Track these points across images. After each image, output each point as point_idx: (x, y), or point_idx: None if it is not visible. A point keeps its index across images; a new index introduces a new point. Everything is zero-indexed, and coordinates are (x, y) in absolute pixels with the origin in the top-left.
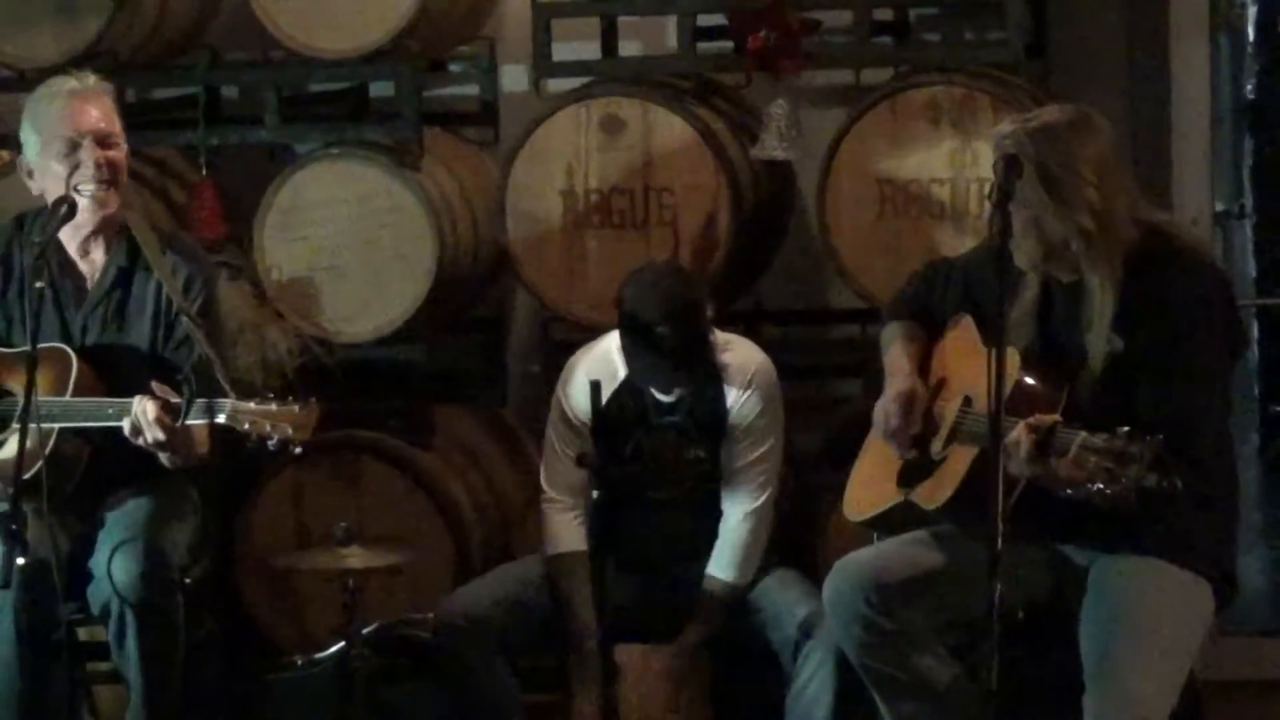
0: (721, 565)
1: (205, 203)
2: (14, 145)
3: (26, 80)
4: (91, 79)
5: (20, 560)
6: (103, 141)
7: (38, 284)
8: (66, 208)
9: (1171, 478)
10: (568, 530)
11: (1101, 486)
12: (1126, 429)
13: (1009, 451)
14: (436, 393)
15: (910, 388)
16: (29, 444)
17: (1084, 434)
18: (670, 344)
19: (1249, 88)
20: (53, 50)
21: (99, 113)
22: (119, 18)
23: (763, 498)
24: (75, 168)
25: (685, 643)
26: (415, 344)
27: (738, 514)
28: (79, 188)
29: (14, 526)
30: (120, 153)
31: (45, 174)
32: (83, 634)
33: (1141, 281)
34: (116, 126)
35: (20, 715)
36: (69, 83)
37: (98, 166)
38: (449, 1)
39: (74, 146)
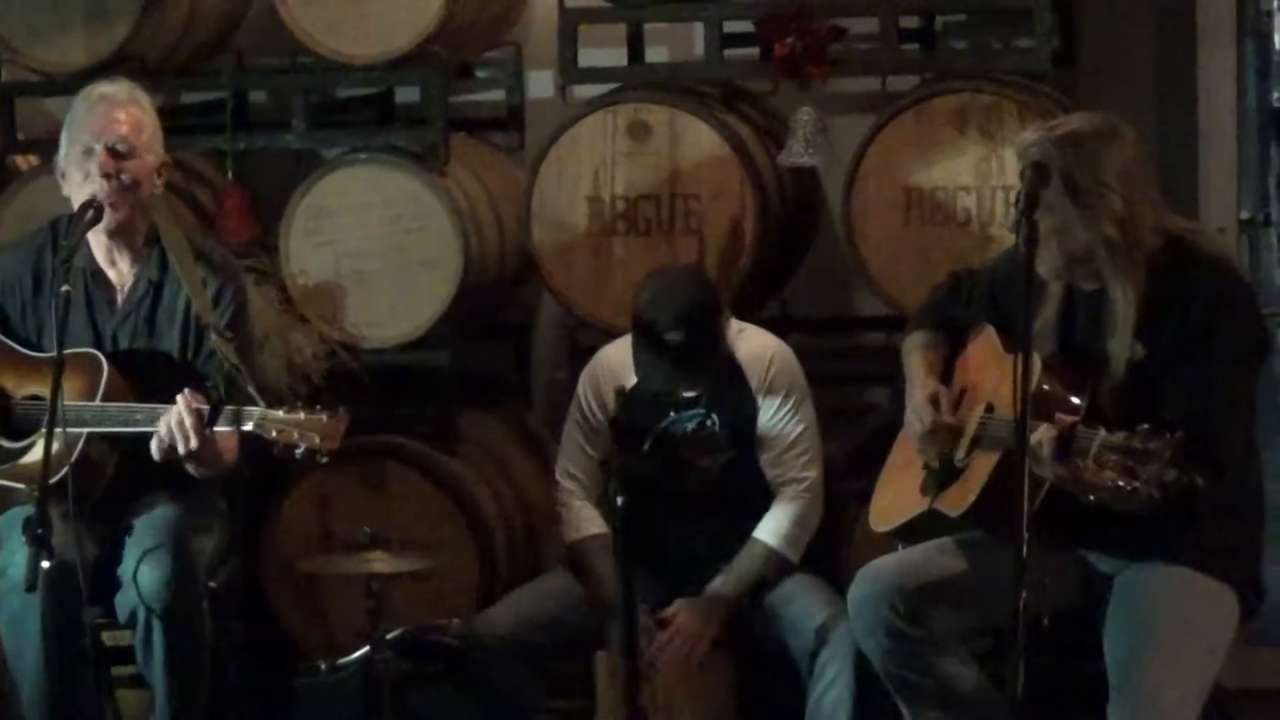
0: (767, 530)
1: (233, 207)
2: (43, 150)
3: (56, 84)
4: (126, 86)
5: (45, 564)
6: (118, 152)
7: (64, 288)
8: (92, 213)
9: (1191, 474)
10: (586, 515)
11: (1122, 484)
12: (1146, 426)
13: (1031, 455)
14: (462, 398)
15: (935, 389)
16: (56, 448)
17: (1103, 433)
18: (680, 349)
19: (1276, 95)
20: (82, 55)
21: (125, 121)
22: (147, 23)
23: (813, 474)
24: (87, 175)
25: (705, 598)
26: (441, 349)
27: (791, 491)
28: (93, 195)
29: (39, 530)
30: (139, 163)
31: (69, 178)
32: (107, 638)
33: (1164, 289)
34: (144, 137)
35: (47, 718)
36: (103, 88)
37: (105, 177)
38: (476, 7)
39: (89, 153)
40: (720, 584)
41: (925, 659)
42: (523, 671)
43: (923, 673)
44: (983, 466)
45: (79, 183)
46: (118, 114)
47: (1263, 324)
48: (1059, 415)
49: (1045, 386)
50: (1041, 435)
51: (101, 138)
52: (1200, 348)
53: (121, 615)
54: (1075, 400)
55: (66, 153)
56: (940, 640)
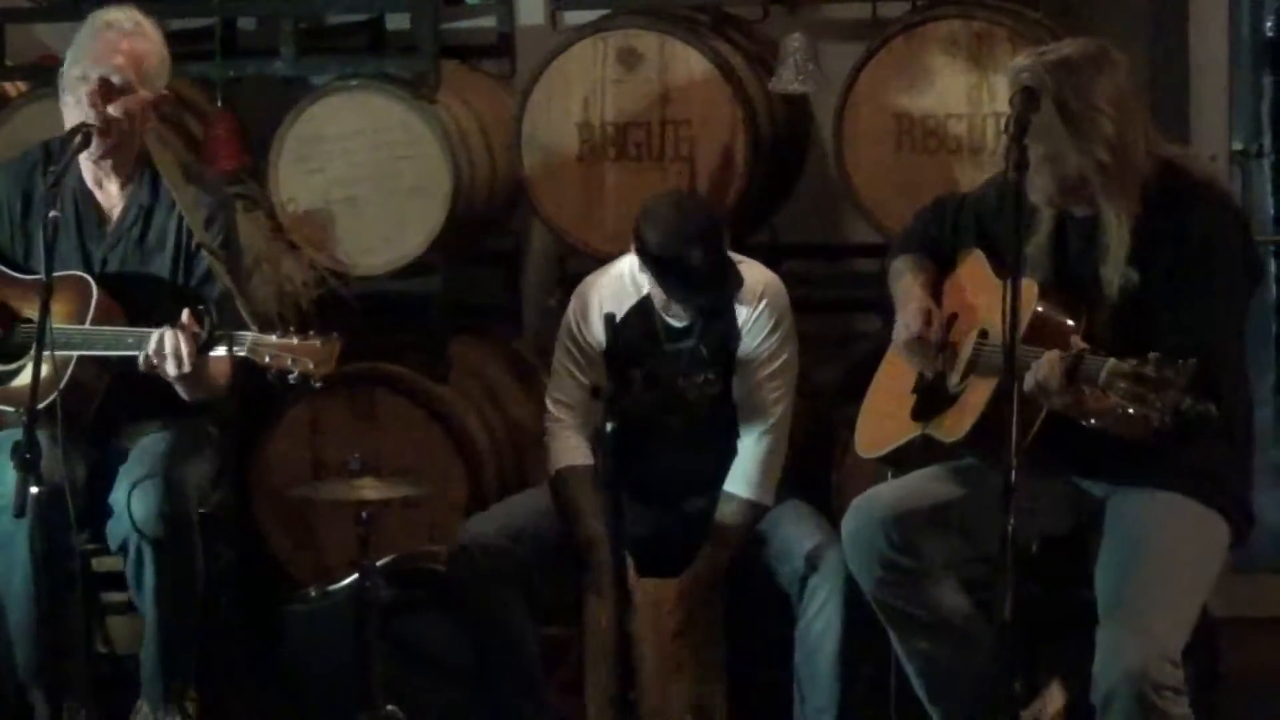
0: (738, 481)
1: (222, 135)
2: (32, 76)
3: (46, 11)
4: (133, 16)
5: (34, 489)
6: (111, 84)
7: (51, 213)
8: (81, 137)
9: (1206, 402)
10: (573, 445)
11: (1133, 412)
12: (1156, 354)
13: (1039, 385)
14: (452, 325)
15: (928, 306)
16: (45, 371)
17: (1113, 360)
18: (702, 266)
19: (1268, 26)
20: None
21: (124, 53)
22: None
23: (778, 414)
24: (79, 100)
25: (701, 569)
26: (431, 277)
27: (755, 431)
28: (82, 120)
29: (28, 455)
30: (134, 98)
31: (63, 99)
32: (96, 564)
33: (1158, 214)
34: (142, 71)
35: (35, 644)
36: (110, 14)
37: (93, 107)
38: None
39: (83, 79)
40: (709, 556)
41: (919, 590)
42: (508, 586)
43: (916, 603)
44: (980, 393)
45: (71, 105)
46: (120, 44)
47: (1256, 250)
48: (1070, 338)
49: (1042, 310)
50: (1048, 363)
51: (97, 67)
52: (1198, 275)
53: (113, 543)
54: (1072, 324)
55: (65, 73)
56: (935, 571)
